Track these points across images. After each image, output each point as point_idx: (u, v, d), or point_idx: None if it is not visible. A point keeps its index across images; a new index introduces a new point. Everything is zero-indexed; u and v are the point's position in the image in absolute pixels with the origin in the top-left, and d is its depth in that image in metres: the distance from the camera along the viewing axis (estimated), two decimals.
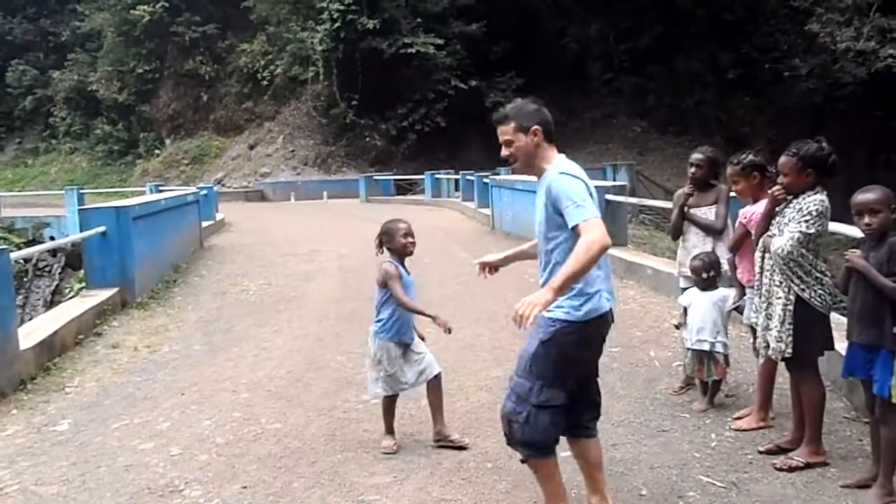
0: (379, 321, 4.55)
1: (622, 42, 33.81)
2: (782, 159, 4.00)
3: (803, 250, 3.88)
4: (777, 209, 4.08)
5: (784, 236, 3.91)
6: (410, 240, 4.52)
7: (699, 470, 4.07)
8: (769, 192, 4.12)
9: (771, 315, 4.04)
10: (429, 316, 4.41)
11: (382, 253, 4.60)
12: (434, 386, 4.55)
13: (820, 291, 3.92)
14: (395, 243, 4.51)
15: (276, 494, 3.95)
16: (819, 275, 3.92)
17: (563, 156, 3.36)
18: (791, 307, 3.93)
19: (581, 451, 3.48)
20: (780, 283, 3.96)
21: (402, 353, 4.50)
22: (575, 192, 3.11)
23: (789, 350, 3.96)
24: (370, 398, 5.11)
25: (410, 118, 32.04)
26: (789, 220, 3.95)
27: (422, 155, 32.23)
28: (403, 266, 4.55)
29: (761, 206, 4.49)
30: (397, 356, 4.49)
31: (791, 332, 3.94)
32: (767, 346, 4.08)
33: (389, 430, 4.57)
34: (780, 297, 3.96)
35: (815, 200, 3.89)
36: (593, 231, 2.99)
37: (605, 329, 3.29)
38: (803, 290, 3.90)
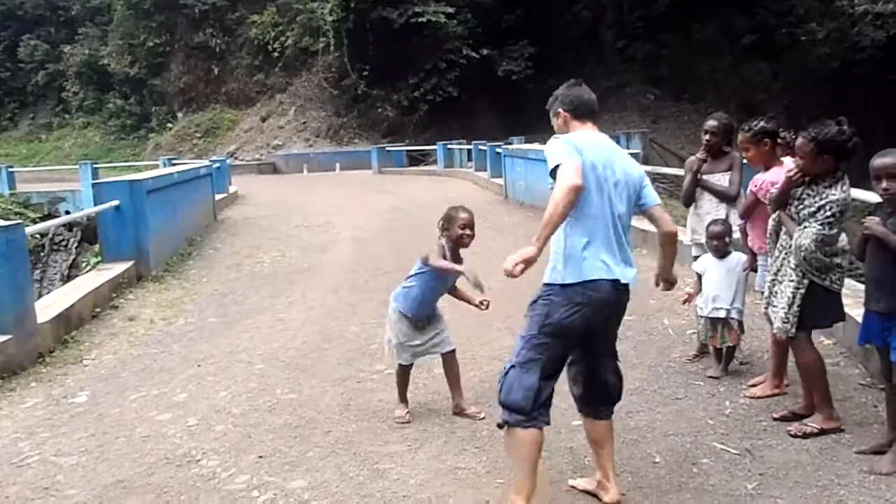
0: (404, 286, 4.54)
1: (635, 9, 33.36)
2: (799, 141, 3.92)
3: (826, 248, 3.88)
4: (795, 189, 4.02)
5: (807, 235, 3.87)
6: (468, 232, 4.40)
7: (713, 437, 4.07)
8: (786, 174, 4.05)
9: (777, 293, 4.05)
10: (459, 272, 4.33)
11: (441, 237, 4.46)
12: (448, 359, 4.57)
13: (837, 276, 3.95)
14: (452, 232, 4.41)
15: (291, 463, 3.99)
16: (838, 260, 3.93)
17: (586, 130, 3.37)
18: (803, 291, 3.94)
19: (588, 427, 3.48)
20: (795, 267, 3.94)
21: (412, 325, 4.51)
22: (552, 150, 3.18)
23: (793, 331, 3.99)
24: (384, 364, 5.15)
25: (422, 88, 31.80)
26: (808, 214, 3.90)
27: (434, 125, 32.08)
28: (456, 254, 4.46)
29: (772, 174, 4.45)
30: (406, 327, 4.51)
31: (798, 313, 3.96)
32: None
33: (403, 399, 4.60)
34: (792, 280, 3.96)
35: (837, 201, 3.84)
36: (559, 176, 3.07)
37: (595, 297, 3.15)
38: (822, 279, 3.93)
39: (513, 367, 3.22)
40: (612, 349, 3.46)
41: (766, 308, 4.25)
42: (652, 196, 3.41)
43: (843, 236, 4.00)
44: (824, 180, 3.89)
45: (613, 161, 3.29)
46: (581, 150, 3.17)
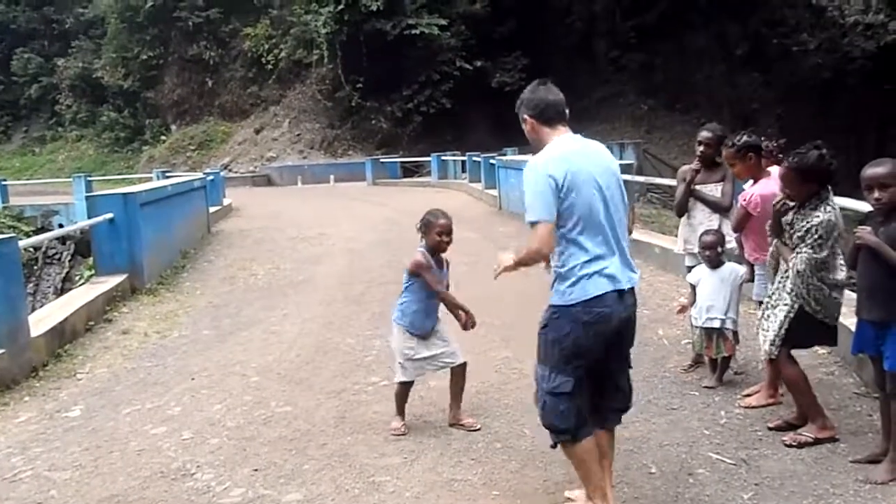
0: (400, 304, 4.55)
1: (628, 18, 33.53)
2: (781, 170, 4.00)
3: (821, 273, 3.90)
4: (787, 216, 4.04)
5: (800, 259, 3.89)
6: (445, 238, 4.41)
7: (709, 447, 4.07)
8: (773, 205, 4.08)
9: (770, 316, 4.09)
10: (455, 311, 4.43)
11: (422, 240, 4.51)
12: (458, 373, 4.56)
13: (833, 311, 3.98)
14: (430, 238, 4.43)
15: (287, 476, 3.98)
16: (836, 295, 3.94)
17: (563, 137, 3.29)
18: (792, 315, 3.97)
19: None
20: (790, 292, 3.97)
21: (421, 339, 4.50)
22: (528, 189, 3.18)
23: (776, 353, 4.05)
24: (379, 377, 5.15)
25: (416, 100, 31.89)
26: (798, 239, 3.92)
27: (428, 137, 32.13)
28: (436, 258, 4.48)
29: (760, 186, 4.50)
30: (413, 343, 4.49)
31: (784, 337, 4.00)
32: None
33: (400, 413, 4.58)
34: (785, 305, 3.99)
35: (823, 223, 3.84)
36: (531, 239, 3.14)
37: (603, 313, 3.13)
38: (817, 311, 3.94)
39: (547, 393, 3.21)
40: (626, 357, 3.43)
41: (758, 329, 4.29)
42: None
43: (843, 272, 3.97)
44: (811, 203, 3.91)
45: (603, 164, 3.26)
46: (565, 174, 3.11)
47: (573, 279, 3.14)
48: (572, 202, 3.11)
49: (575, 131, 3.39)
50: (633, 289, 3.24)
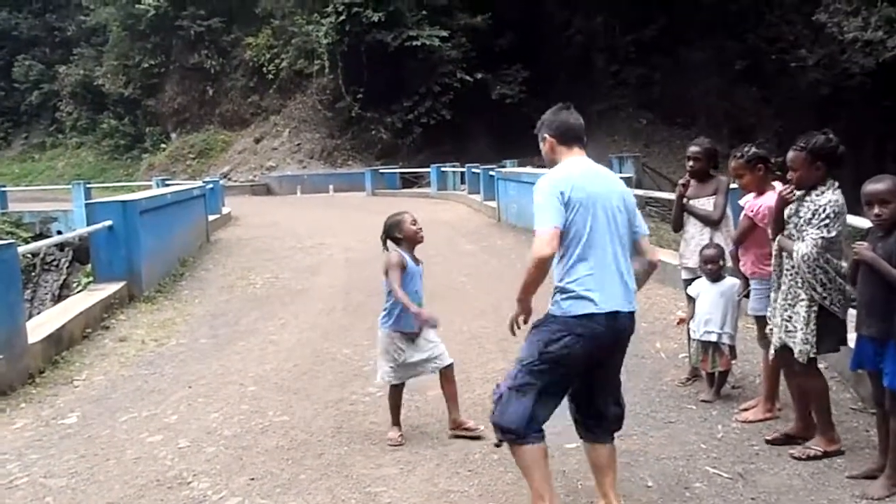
0: (384, 309, 4.56)
1: (628, 33, 33.63)
2: (790, 154, 3.94)
3: (827, 255, 3.84)
4: (789, 207, 4.05)
5: (807, 242, 3.85)
6: (419, 226, 4.54)
7: (706, 461, 4.07)
8: (779, 193, 4.08)
9: (792, 317, 3.99)
10: (412, 312, 4.35)
11: (387, 249, 4.57)
12: (447, 375, 4.57)
13: (839, 298, 3.89)
14: (405, 231, 4.50)
15: (283, 486, 3.97)
16: (841, 280, 3.88)
17: (577, 158, 3.39)
18: (816, 308, 3.89)
19: (590, 452, 3.46)
20: (803, 285, 3.92)
21: (410, 341, 4.50)
22: (538, 197, 3.24)
23: (814, 350, 3.93)
24: (376, 387, 5.14)
25: (416, 111, 31.95)
26: (805, 223, 3.89)
27: (427, 148, 32.19)
28: (412, 255, 4.52)
29: (766, 199, 4.48)
30: (403, 345, 4.50)
31: (815, 332, 3.91)
32: (782, 347, 4.07)
33: (396, 422, 4.58)
34: (803, 300, 3.91)
35: (831, 202, 3.82)
36: (534, 243, 3.18)
37: (597, 330, 3.16)
38: (824, 297, 3.86)
39: (508, 388, 3.24)
40: (615, 379, 3.44)
41: (759, 333, 4.25)
42: (643, 226, 3.46)
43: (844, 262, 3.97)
44: (816, 189, 3.90)
45: (609, 188, 3.33)
46: (571, 189, 3.19)
47: (571, 294, 3.18)
48: (577, 220, 3.19)
49: None
50: (631, 313, 3.27)
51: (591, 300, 3.16)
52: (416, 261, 4.56)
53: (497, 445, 3.37)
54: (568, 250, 3.20)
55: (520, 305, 3.34)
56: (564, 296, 3.20)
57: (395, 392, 4.60)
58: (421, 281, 4.58)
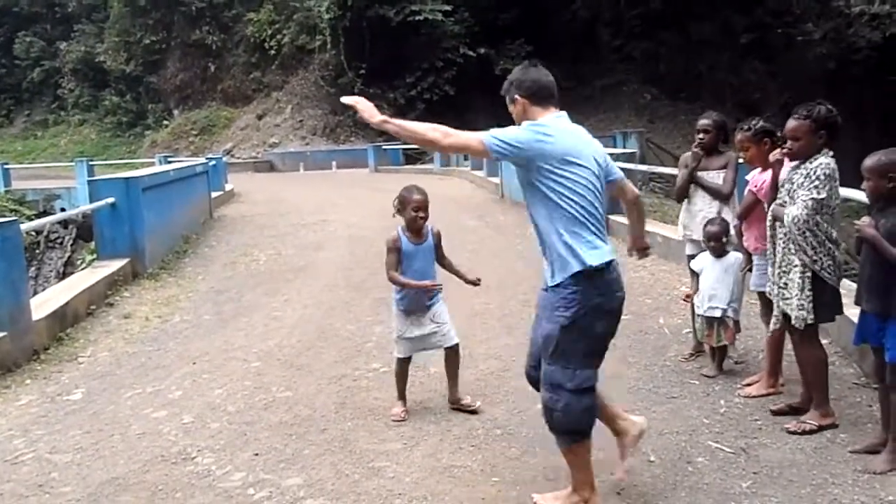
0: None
1: (633, 7, 33.34)
2: (792, 123, 3.93)
3: (817, 218, 3.83)
4: (784, 177, 4.05)
5: (797, 205, 3.86)
6: (421, 214, 4.43)
7: (708, 436, 4.08)
8: (770, 157, 4.11)
9: (787, 284, 4.00)
10: (413, 286, 4.41)
11: (395, 217, 4.56)
12: (450, 355, 4.58)
13: (829, 263, 3.88)
14: (405, 214, 4.47)
15: (287, 461, 3.99)
16: (831, 245, 3.87)
17: (551, 114, 3.24)
18: (809, 275, 3.89)
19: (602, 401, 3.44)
20: (795, 251, 3.92)
21: (413, 316, 4.51)
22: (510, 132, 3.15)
23: (811, 317, 3.93)
24: (379, 363, 5.16)
25: (419, 87, 31.76)
26: (798, 187, 3.90)
27: (431, 123, 32.01)
28: (416, 232, 4.49)
29: (771, 174, 4.46)
30: (405, 320, 4.52)
31: (811, 298, 3.91)
32: (783, 316, 4.07)
33: (401, 397, 4.60)
34: (797, 266, 3.92)
35: (822, 164, 3.85)
36: (461, 134, 3.18)
37: (619, 295, 3.19)
38: (814, 261, 3.86)
39: (572, 393, 3.12)
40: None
41: (762, 308, 4.25)
42: (617, 170, 3.42)
43: (836, 232, 3.96)
44: (809, 159, 3.91)
45: (590, 143, 3.27)
46: (554, 137, 3.10)
47: (581, 249, 3.09)
48: (576, 177, 3.10)
49: (578, 119, 3.39)
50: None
51: (598, 260, 3.13)
52: (421, 235, 4.51)
53: (565, 453, 3.27)
54: (574, 215, 3.11)
55: (381, 124, 3.27)
56: (571, 261, 3.14)
57: (401, 366, 4.62)
58: (430, 256, 4.56)
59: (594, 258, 3.08)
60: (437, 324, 4.54)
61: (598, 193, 3.18)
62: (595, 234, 3.13)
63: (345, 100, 3.20)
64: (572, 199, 3.10)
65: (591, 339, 3.15)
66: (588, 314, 3.10)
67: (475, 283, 4.60)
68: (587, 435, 3.22)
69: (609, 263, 3.13)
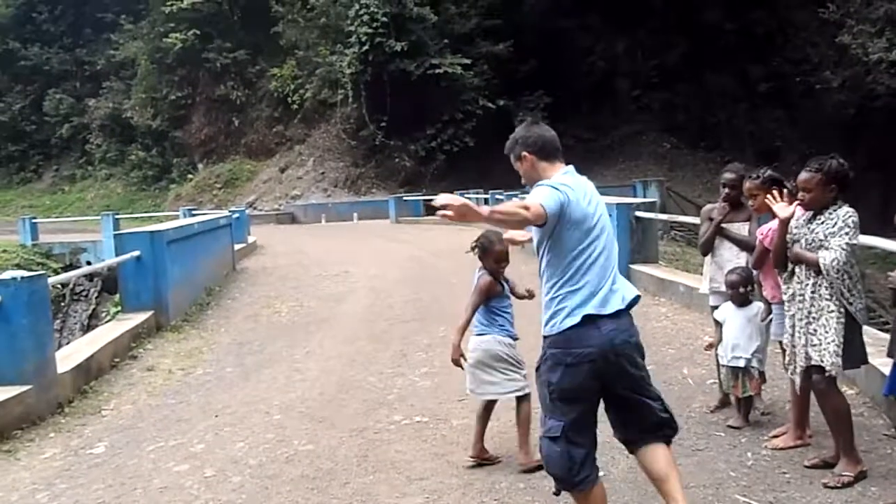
0: (485, 324, 4.56)
1: (650, 58, 33.71)
2: (804, 175, 3.99)
3: (853, 260, 3.91)
4: (796, 225, 4.06)
5: (833, 251, 3.87)
6: (504, 265, 4.51)
7: (735, 489, 4.00)
8: (775, 208, 4.14)
9: (818, 330, 3.96)
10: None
11: (473, 252, 4.59)
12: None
13: (860, 305, 3.92)
14: (488, 263, 4.50)
15: None
16: (861, 287, 3.93)
17: (562, 169, 3.28)
18: (843, 321, 3.89)
19: (645, 462, 3.33)
20: (831, 296, 3.91)
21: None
22: (539, 189, 3.14)
23: (840, 364, 3.90)
24: (401, 415, 5.12)
25: (439, 139, 32.16)
26: (827, 235, 3.91)
27: (451, 175, 32.29)
28: (499, 279, 4.53)
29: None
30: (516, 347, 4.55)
31: (842, 344, 3.89)
32: (808, 362, 4.02)
33: (480, 440, 4.53)
34: (832, 311, 3.91)
35: (848, 213, 3.91)
36: (531, 201, 3.02)
37: (583, 352, 3.11)
38: (851, 303, 3.89)
39: (542, 438, 3.23)
40: (644, 387, 3.29)
41: (784, 358, 4.21)
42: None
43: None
44: (827, 209, 3.96)
45: (598, 197, 3.30)
46: (572, 193, 3.12)
47: (559, 315, 3.17)
48: (577, 230, 3.13)
49: (597, 169, 3.44)
50: (625, 311, 3.19)
51: (571, 319, 3.18)
52: (501, 282, 4.57)
53: (555, 494, 3.34)
54: (570, 262, 3.19)
55: (482, 212, 2.90)
56: (559, 313, 3.24)
57: (488, 408, 4.60)
58: (508, 303, 4.62)
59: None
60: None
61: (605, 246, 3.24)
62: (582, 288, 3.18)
63: (438, 200, 2.84)
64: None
65: (553, 390, 3.16)
66: (548, 362, 3.19)
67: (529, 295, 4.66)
68: (575, 486, 3.17)
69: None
